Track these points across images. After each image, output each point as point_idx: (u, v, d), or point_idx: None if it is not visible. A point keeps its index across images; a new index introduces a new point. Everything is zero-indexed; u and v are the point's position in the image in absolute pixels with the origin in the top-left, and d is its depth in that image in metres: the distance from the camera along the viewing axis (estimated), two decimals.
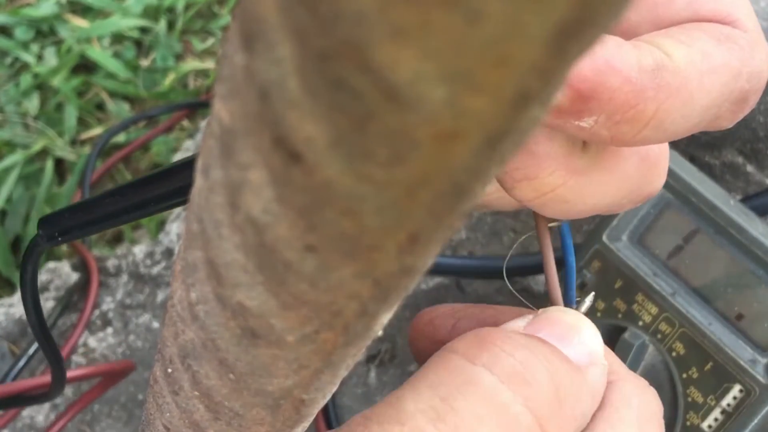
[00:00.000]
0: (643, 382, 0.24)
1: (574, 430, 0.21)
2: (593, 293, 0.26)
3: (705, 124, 0.22)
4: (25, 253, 0.29)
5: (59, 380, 0.35)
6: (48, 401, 0.47)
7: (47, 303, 0.64)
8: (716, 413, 0.42)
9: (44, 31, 1.01)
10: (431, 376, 0.20)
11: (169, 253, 0.66)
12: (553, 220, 0.26)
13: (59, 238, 0.27)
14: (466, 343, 0.21)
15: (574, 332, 0.23)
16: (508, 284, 0.29)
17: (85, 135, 0.93)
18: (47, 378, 0.45)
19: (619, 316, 0.45)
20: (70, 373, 0.51)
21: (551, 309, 0.24)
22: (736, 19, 0.22)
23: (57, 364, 0.34)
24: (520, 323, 0.23)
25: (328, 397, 0.19)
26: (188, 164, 0.25)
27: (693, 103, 0.21)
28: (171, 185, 0.25)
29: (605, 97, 0.20)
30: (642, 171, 0.24)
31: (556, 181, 0.22)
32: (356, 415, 0.20)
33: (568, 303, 0.25)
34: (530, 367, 0.20)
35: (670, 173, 0.45)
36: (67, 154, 0.89)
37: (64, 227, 0.27)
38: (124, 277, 0.65)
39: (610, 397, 0.23)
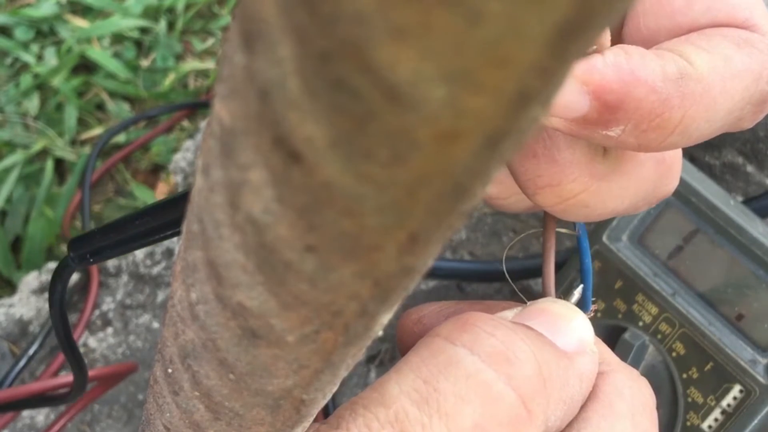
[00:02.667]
0: (636, 373, 0.24)
1: (563, 413, 0.21)
2: (581, 285, 0.26)
3: (728, 126, 0.23)
4: (54, 273, 0.29)
5: (81, 385, 0.36)
6: (68, 402, 0.48)
7: (47, 303, 0.64)
8: (716, 413, 0.42)
9: (44, 31, 1.01)
10: (414, 359, 0.20)
11: (169, 253, 0.66)
12: (566, 223, 0.26)
13: (91, 260, 0.27)
14: (449, 326, 0.21)
15: (562, 321, 0.23)
16: (510, 280, 0.29)
17: (85, 135, 0.93)
18: (62, 380, 0.46)
19: (619, 316, 0.45)
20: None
21: (541, 300, 0.24)
22: (754, 24, 0.23)
23: (80, 371, 0.35)
24: (508, 314, 0.23)
25: (329, 397, 0.19)
26: None
27: (716, 108, 0.21)
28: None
29: (632, 107, 0.20)
30: (658, 173, 0.24)
31: (578, 187, 0.23)
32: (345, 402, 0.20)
33: (584, 305, 0.26)
34: (512, 345, 0.20)
35: None
36: (67, 154, 0.89)
37: (95, 248, 0.27)
38: (124, 277, 0.65)
39: (602, 388, 0.23)
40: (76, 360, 0.34)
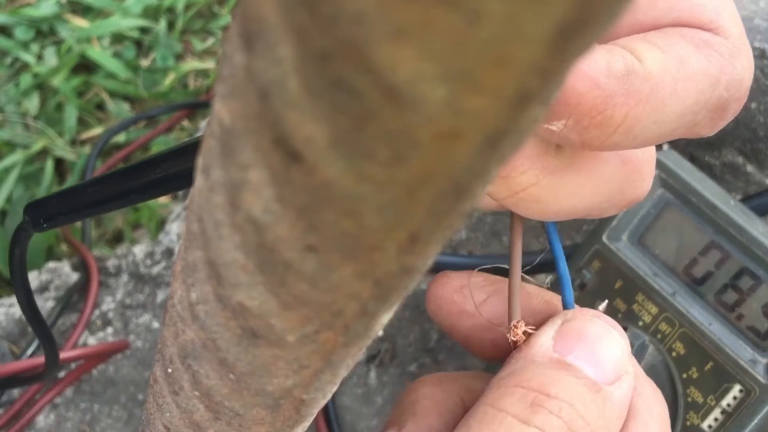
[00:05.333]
0: (653, 384, 0.26)
1: None
2: (606, 301, 0.27)
3: (682, 131, 0.22)
4: (12, 238, 0.30)
5: (53, 361, 0.36)
6: (42, 381, 0.48)
7: (47, 303, 0.64)
8: (716, 413, 0.42)
9: (44, 31, 1.01)
10: None
11: (169, 253, 0.66)
12: (536, 225, 0.26)
13: (44, 225, 0.28)
14: (518, 403, 0.23)
15: (600, 346, 0.24)
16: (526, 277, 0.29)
17: (85, 135, 0.93)
18: (37, 360, 0.46)
19: (619, 316, 0.45)
20: (64, 354, 0.51)
21: (577, 317, 0.25)
22: (718, 26, 0.22)
23: (49, 345, 0.35)
24: (548, 341, 0.24)
25: (329, 397, 0.19)
26: (173, 154, 0.25)
27: (665, 110, 0.20)
28: (156, 175, 0.26)
29: (573, 101, 0.19)
30: (623, 175, 0.23)
31: (528, 180, 0.22)
32: None
33: (566, 306, 0.25)
34: (574, 425, 0.22)
35: (670, 173, 0.45)
36: (67, 154, 0.89)
37: (50, 213, 0.28)
38: (124, 277, 0.65)
39: (638, 406, 0.25)
40: (42, 330, 0.33)
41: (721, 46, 0.22)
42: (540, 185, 0.22)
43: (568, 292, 0.25)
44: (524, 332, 0.24)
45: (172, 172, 0.25)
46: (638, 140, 0.21)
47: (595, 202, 0.23)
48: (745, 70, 0.22)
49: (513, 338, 0.24)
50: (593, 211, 0.24)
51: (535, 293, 0.26)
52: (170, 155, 0.26)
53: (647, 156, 0.24)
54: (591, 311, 0.25)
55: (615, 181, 0.23)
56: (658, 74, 0.20)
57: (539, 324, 0.25)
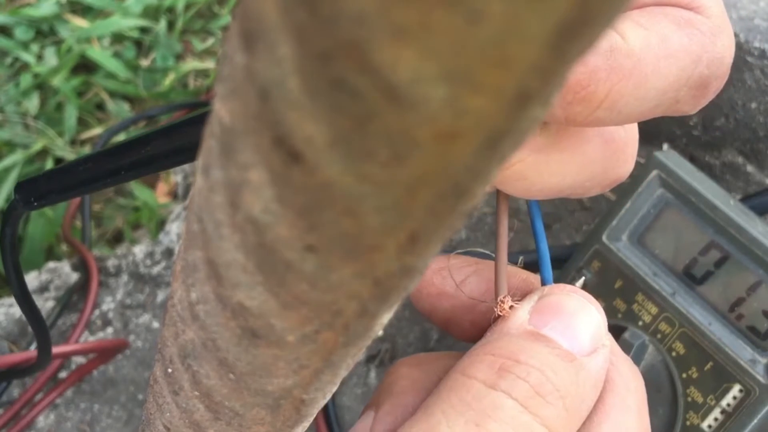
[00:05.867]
0: (631, 362, 0.26)
1: (580, 420, 0.23)
2: (584, 278, 0.27)
3: (664, 108, 0.22)
4: (3, 217, 0.30)
5: (45, 348, 0.36)
6: (35, 372, 0.47)
7: (47, 303, 0.64)
8: (716, 413, 0.42)
9: (44, 31, 1.01)
10: (457, 403, 0.22)
11: (169, 253, 0.66)
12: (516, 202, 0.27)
13: (35, 203, 0.28)
14: (485, 369, 0.23)
15: (576, 320, 0.24)
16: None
17: (85, 135, 0.93)
18: (28, 354, 0.45)
19: (619, 316, 0.45)
20: (62, 348, 0.51)
21: (554, 292, 0.25)
22: (700, 5, 0.22)
23: (41, 330, 0.35)
24: (524, 314, 0.24)
25: (328, 397, 0.19)
26: (163, 132, 0.26)
27: (648, 86, 0.21)
28: (146, 153, 0.26)
29: None
30: (607, 154, 0.24)
31: (514, 157, 0.22)
32: None
33: (545, 283, 0.26)
34: (542, 389, 0.22)
35: (670, 173, 0.45)
36: (67, 154, 0.89)
37: (41, 192, 0.28)
38: (124, 277, 0.65)
39: (616, 381, 0.25)
40: (32, 312, 0.33)
41: (703, 24, 0.22)
42: (525, 162, 0.22)
43: (546, 270, 0.26)
44: (510, 307, 0.24)
45: (162, 150, 0.26)
46: (621, 116, 0.21)
47: (578, 181, 0.24)
48: (725, 48, 0.22)
49: (499, 312, 0.24)
50: (577, 189, 0.24)
51: (513, 272, 0.26)
52: (160, 133, 0.26)
53: (630, 136, 0.25)
54: (568, 286, 0.25)
55: (598, 159, 0.24)
56: (641, 51, 0.21)
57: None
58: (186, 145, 0.25)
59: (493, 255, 0.26)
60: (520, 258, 0.28)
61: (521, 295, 0.25)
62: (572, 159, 0.23)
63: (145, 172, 0.26)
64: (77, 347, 0.51)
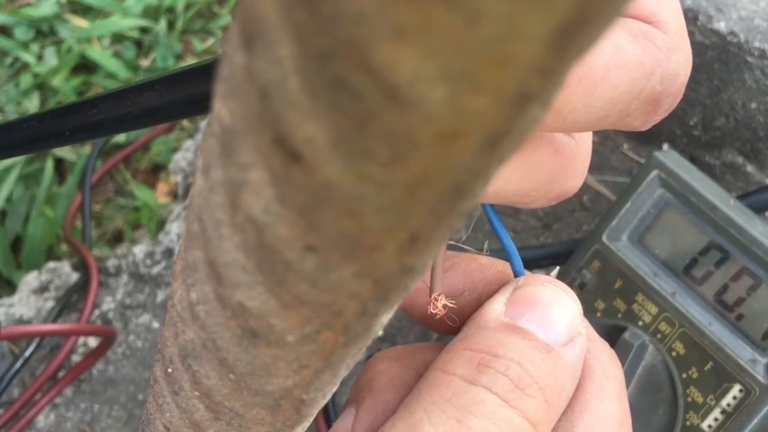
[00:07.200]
0: (608, 346, 0.26)
1: (560, 409, 0.23)
2: (558, 267, 0.27)
3: (613, 121, 0.22)
4: None
5: None
6: None
7: (47, 303, 0.64)
8: (716, 413, 0.42)
9: (44, 31, 1.01)
10: (438, 399, 0.22)
11: (169, 253, 0.66)
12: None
13: None
14: (465, 365, 0.23)
15: (552, 310, 0.24)
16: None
17: None
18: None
19: (619, 316, 0.45)
20: (43, 327, 0.51)
21: (529, 282, 0.25)
22: (659, 20, 0.22)
23: None
24: (499, 307, 0.24)
25: (329, 397, 0.19)
26: (111, 97, 0.25)
27: (596, 94, 0.21)
28: (92, 117, 0.26)
29: None
30: (555, 165, 0.24)
31: None
32: None
33: (517, 275, 0.26)
34: (521, 382, 0.22)
35: (670, 173, 0.45)
36: (67, 154, 0.89)
37: None
38: (124, 277, 0.65)
39: (594, 368, 0.25)
40: None
41: (660, 39, 0.22)
42: None
43: (516, 261, 0.26)
44: (444, 305, 0.25)
45: (109, 114, 0.25)
46: (567, 123, 0.21)
47: (523, 188, 0.24)
48: (680, 66, 0.22)
49: (432, 310, 0.25)
50: (522, 197, 0.24)
51: (488, 264, 0.26)
52: (108, 97, 0.25)
53: (581, 150, 0.24)
54: (543, 277, 0.25)
55: (545, 170, 0.23)
56: (591, 58, 0.20)
57: (493, 293, 0.25)
58: (133, 111, 0.25)
59: (468, 248, 0.26)
60: (485, 246, 0.28)
61: (498, 286, 0.25)
62: (518, 165, 0.23)
63: (90, 135, 0.26)
64: (62, 327, 0.51)
